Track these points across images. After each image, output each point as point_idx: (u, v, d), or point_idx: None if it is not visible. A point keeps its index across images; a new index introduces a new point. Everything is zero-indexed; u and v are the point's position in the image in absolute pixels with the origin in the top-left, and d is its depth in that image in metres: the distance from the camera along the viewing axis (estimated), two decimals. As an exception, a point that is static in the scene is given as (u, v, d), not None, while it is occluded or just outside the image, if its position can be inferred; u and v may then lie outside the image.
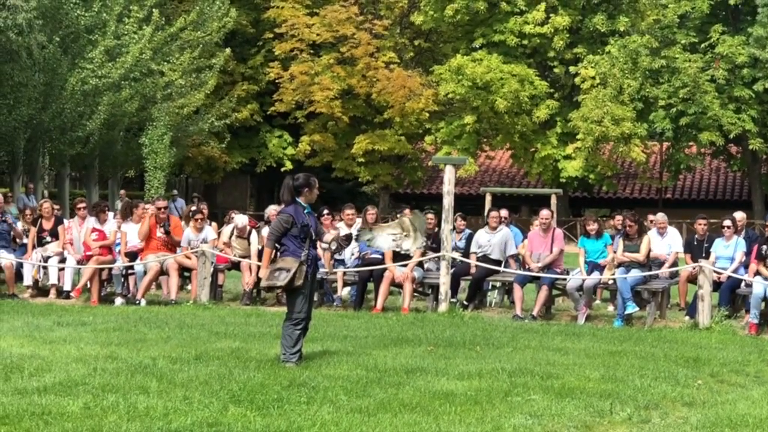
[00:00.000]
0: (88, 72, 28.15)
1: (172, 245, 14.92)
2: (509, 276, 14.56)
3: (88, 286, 14.98)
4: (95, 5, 28.62)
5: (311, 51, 37.48)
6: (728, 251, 14.12)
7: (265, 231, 13.37)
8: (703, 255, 14.17)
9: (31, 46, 26.69)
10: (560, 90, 37.02)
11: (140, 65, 30.17)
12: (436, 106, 36.87)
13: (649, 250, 13.96)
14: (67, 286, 15.41)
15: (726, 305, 13.41)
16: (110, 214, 16.14)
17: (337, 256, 15.12)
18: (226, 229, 16.00)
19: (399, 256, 14.31)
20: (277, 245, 9.21)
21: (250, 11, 39.10)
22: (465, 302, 14.61)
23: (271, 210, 15.86)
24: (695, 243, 14.94)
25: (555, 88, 36.64)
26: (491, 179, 42.75)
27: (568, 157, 35.44)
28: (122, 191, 29.83)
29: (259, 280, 13.78)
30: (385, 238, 11.28)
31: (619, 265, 13.75)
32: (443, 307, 13.96)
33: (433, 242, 14.75)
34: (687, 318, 13.61)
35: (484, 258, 14.68)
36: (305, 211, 9.19)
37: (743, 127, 34.11)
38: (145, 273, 14.63)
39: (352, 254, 15.01)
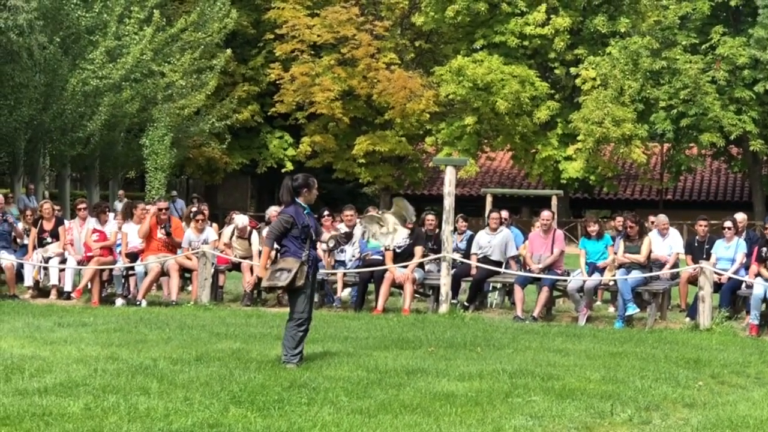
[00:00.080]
0: (89, 73, 28.16)
1: (172, 246, 14.92)
2: (510, 277, 14.56)
3: (89, 287, 14.98)
4: (96, 6, 28.63)
5: (312, 52, 37.49)
6: (729, 252, 14.11)
7: (266, 232, 13.37)
8: (704, 256, 14.17)
9: (31, 46, 26.69)
10: (561, 91, 37.03)
11: (141, 66, 30.18)
12: (436, 107, 36.88)
13: (650, 252, 13.96)
14: (67, 287, 15.41)
15: (727, 306, 13.40)
16: (111, 215, 16.15)
17: (337, 257, 15.14)
18: (227, 230, 16.00)
19: (399, 257, 14.33)
20: (277, 246, 9.21)
21: (251, 12, 39.12)
22: (466, 303, 14.60)
23: (272, 211, 15.86)
24: (696, 244, 14.93)
25: (556, 90, 36.64)
26: (492, 180, 42.76)
27: (568, 159, 35.45)
28: (121, 191, 29.83)
29: (259, 280, 13.78)
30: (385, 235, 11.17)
31: (620, 266, 13.75)
32: (444, 308, 13.96)
33: (434, 243, 14.75)
34: (688, 319, 13.60)
35: (485, 259, 14.68)
36: (305, 212, 9.20)
37: (744, 129, 34.14)
38: (145, 274, 14.63)
39: (353, 256, 15.01)
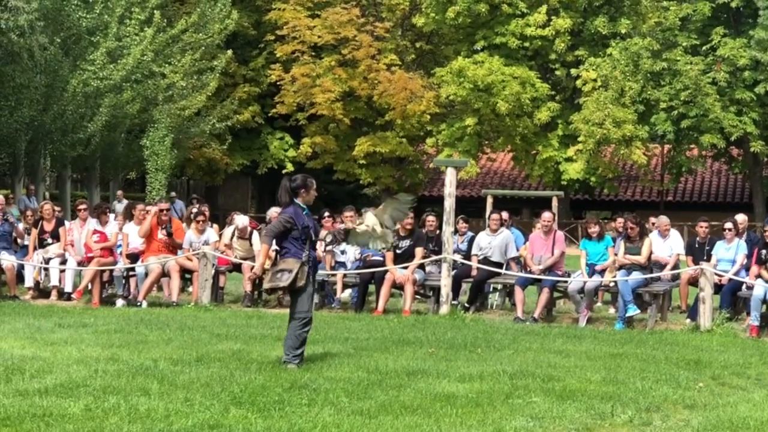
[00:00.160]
0: (90, 74, 28.15)
1: (173, 247, 14.92)
2: (510, 278, 14.56)
3: (90, 287, 14.98)
4: (97, 7, 28.62)
5: (313, 53, 37.48)
6: (729, 254, 14.11)
7: (264, 230, 13.35)
8: (705, 257, 14.16)
9: (32, 47, 26.69)
10: (561, 92, 37.02)
11: (142, 67, 30.17)
12: (437, 108, 36.87)
13: (651, 253, 13.96)
14: (68, 288, 15.41)
15: (727, 308, 13.41)
16: (111, 216, 16.14)
17: (338, 259, 15.14)
18: (227, 231, 16.00)
19: (400, 258, 14.33)
20: (276, 247, 9.21)
21: (252, 13, 39.12)
22: (466, 304, 14.60)
23: (273, 212, 15.84)
24: (696, 245, 14.93)
25: (556, 91, 36.63)
26: (492, 181, 42.76)
27: (569, 160, 35.44)
28: (120, 192, 29.82)
29: (260, 281, 13.78)
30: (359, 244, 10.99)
31: (621, 267, 13.74)
32: (444, 309, 13.96)
33: (435, 244, 14.75)
34: (688, 320, 13.60)
35: (485, 260, 14.68)
36: (304, 213, 9.20)
37: (744, 130, 34.13)
38: (146, 275, 14.63)
39: (355, 257, 15.01)
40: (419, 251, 14.41)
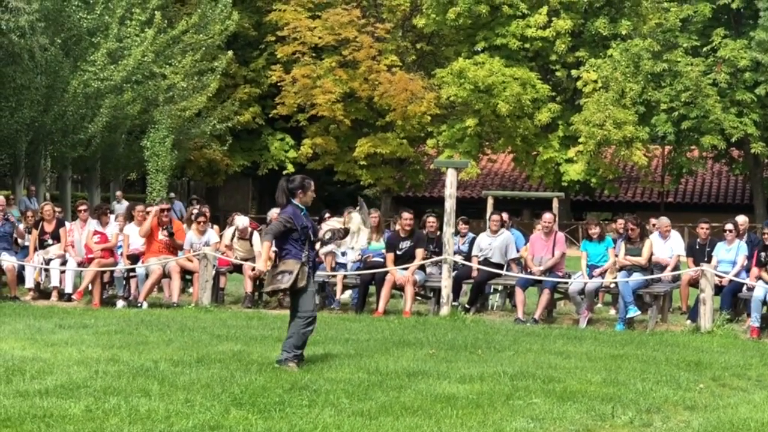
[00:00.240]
0: (90, 74, 28.15)
1: (173, 248, 14.92)
2: (511, 279, 14.55)
3: (90, 288, 14.98)
4: (97, 8, 28.61)
5: (313, 54, 37.49)
6: (730, 255, 14.10)
7: (264, 230, 13.34)
8: (705, 259, 14.16)
9: (33, 48, 26.69)
10: (562, 93, 37.03)
11: (142, 68, 30.17)
12: (438, 109, 36.87)
13: (651, 254, 13.96)
14: (68, 289, 15.41)
15: (728, 309, 13.41)
16: (112, 217, 16.14)
17: (338, 260, 15.14)
18: (228, 232, 16.00)
19: (400, 259, 14.33)
20: (275, 249, 9.21)
21: (252, 14, 39.13)
22: (467, 305, 14.60)
23: (274, 213, 15.84)
24: (697, 247, 14.92)
25: (557, 92, 36.63)
26: (493, 182, 42.76)
27: (570, 161, 35.43)
28: (119, 192, 29.81)
29: (261, 282, 13.79)
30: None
31: (621, 268, 13.74)
32: (445, 310, 13.96)
33: (435, 246, 14.74)
34: (689, 322, 13.59)
35: (486, 261, 14.68)
36: (302, 213, 9.21)
37: (745, 131, 34.13)
38: (146, 276, 14.63)
39: (355, 259, 15.01)
40: (420, 252, 14.41)
